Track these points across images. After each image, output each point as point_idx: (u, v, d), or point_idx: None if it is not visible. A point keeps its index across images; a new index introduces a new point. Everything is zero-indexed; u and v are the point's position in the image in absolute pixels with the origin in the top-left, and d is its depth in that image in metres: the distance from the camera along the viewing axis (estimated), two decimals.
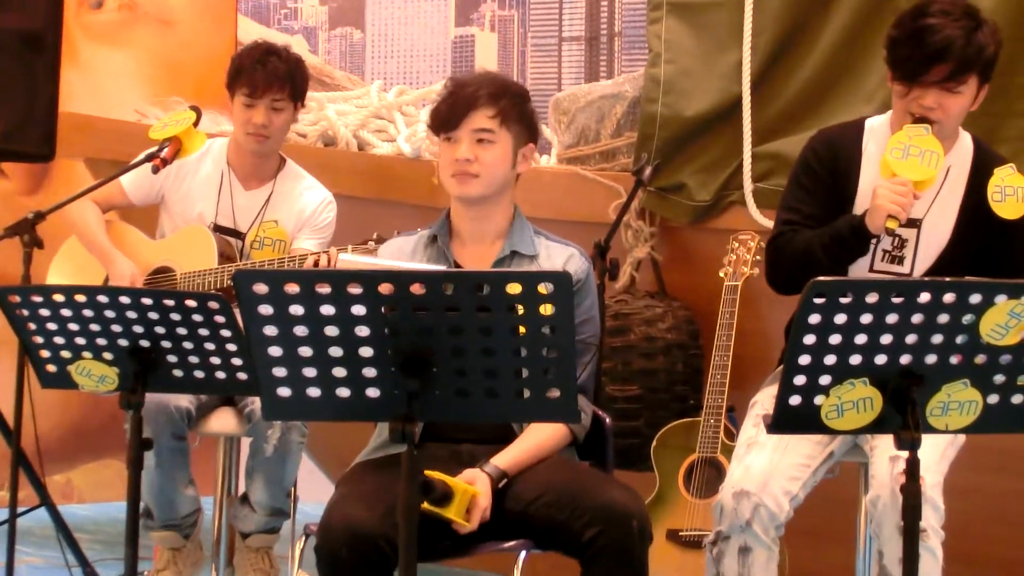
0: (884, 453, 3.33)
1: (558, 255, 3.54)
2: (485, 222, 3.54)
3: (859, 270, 3.60)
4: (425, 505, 3.11)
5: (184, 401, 4.20)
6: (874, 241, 3.52)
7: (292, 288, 2.63)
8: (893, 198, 3.37)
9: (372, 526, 3.13)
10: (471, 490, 3.21)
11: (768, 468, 3.39)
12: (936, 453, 3.36)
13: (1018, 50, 4.27)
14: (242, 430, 4.37)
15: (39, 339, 3.13)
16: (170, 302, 3.04)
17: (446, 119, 3.47)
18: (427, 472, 3.15)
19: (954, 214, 3.59)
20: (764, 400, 3.62)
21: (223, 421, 4.38)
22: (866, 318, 2.64)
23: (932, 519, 3.29)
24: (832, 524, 3.92)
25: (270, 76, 4.43)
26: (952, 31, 3.42)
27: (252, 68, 4.44)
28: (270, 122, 4.46)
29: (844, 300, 2.63)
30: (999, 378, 2.73)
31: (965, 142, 3.65)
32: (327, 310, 2.64)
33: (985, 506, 4.28)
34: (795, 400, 2.73)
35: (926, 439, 3.09)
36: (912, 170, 3.38)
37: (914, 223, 3.57)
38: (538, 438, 3.40)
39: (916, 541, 2.76)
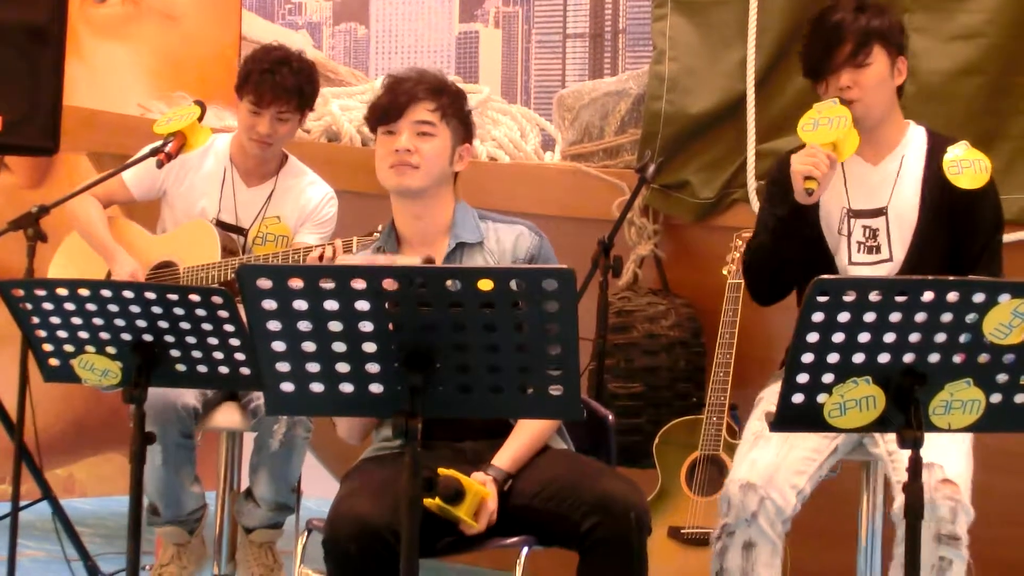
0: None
1: (506, 235, 3.54)
2: (428, 220, 3.52)
3: (840, 265, 3.67)
4: (437, 502, 3.12)
5: (191, 399, 4.20)
6: (844, 233, 3.64)
7: (296, 283, 2.63)
8: (804, 160, 3.51)
9: (380, 520, 3.13)
10: (483, 491, 3.23)
11: (774, 462, 3.40)
12: (962, 458, 3.39)
13: (1019, 49, 4.27)
14: (246, 425, 4.37)
15: (42, 333, 3.13)
16: (174, 296, 3.03)
17: (386, 111, 3.46)
18: (441, 470, 3.15)
19: (917, 196, 3.67)
20: (770, 396, 3.64)
21: (227, 416, 4.38)
22: (869, 316, 2.65)
23: (965, 525, 3.32)
24: (834, 524, 3.92)
25: (277, 88, 4.40)
26: (840, 16, 3.64)
27: (260, 77, 4.41)
28: (274, 131, 4.45)
29: (847, 298, 2.63)
30: (1002, 377, 2.73)
31: (917, 133, 3.74)
32: (331, 305, 2.64)
33: (991, 507, 4.27)
34: (798, 398, 2.74)
35: (951, 444, 3.11)
36: (821, 136, 3.52)
37: (880, 212, 3.66)
38: (533, 428, 3.40)
39: (918, 543, 2.76)
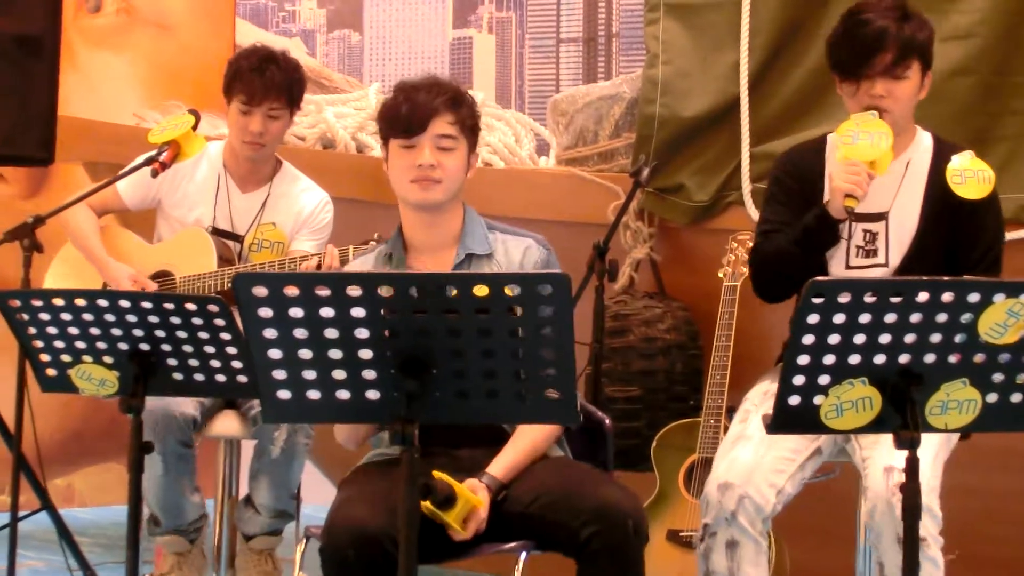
0: (878, 464, 3.34)
1: (514, 248, 3.54)
2: (439, 229, 3.53)
3: (836, 267, 3.67)
4: (427, 505, 3.13)
5: (190, 408, 4.20)
6: (844, 236, 3.62)
7: (292, 291, 2.64)
8: (847, 178, 3.47)
9: (377, 527, 3.13)
10: (474, 500, 3.23)
11: (753, 461, 3.41)
12: (929, 458, 3.37)
13: (1011, 49, 4.28)
14: (245, 432, 4.38)
15: (39, 343, 3.13)
16: (170, 305, 3.04)
17: (406, 125, 3.44)
18: (436, 473, 3.16)
19: (918, 205, 3.66)
20: (753, 397, 3.66)
21: (226, 424, 4.39)
22: (864, 318, 2.65)
23: (931, 527, 3.30)
24: (833, 524, 3.92)
25: (267, 85, 4.41)
26: (883, 22, 3.58)
27: (249, 76, 4.42)
28: (266, 130, 4.46)
29: (842, 300, 2.63)
30: (998, 377, 2.73)
31: (924, 138, 3.74)
32: (327, 312, 2.65)
33: (987, 506, 4.28)
34: (794, 400, 2.74)
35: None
36: (863, 152, 3.49)
37: (881, 216, 3.66)
38: (531, 437, 3.40)
39: (917, 543, 2.76)
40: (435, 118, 3.44)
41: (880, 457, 3.34)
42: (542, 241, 3.57)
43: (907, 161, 3.69)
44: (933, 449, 3.39)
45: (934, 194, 3.65)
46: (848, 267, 3.67)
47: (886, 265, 3.66)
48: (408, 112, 3.44)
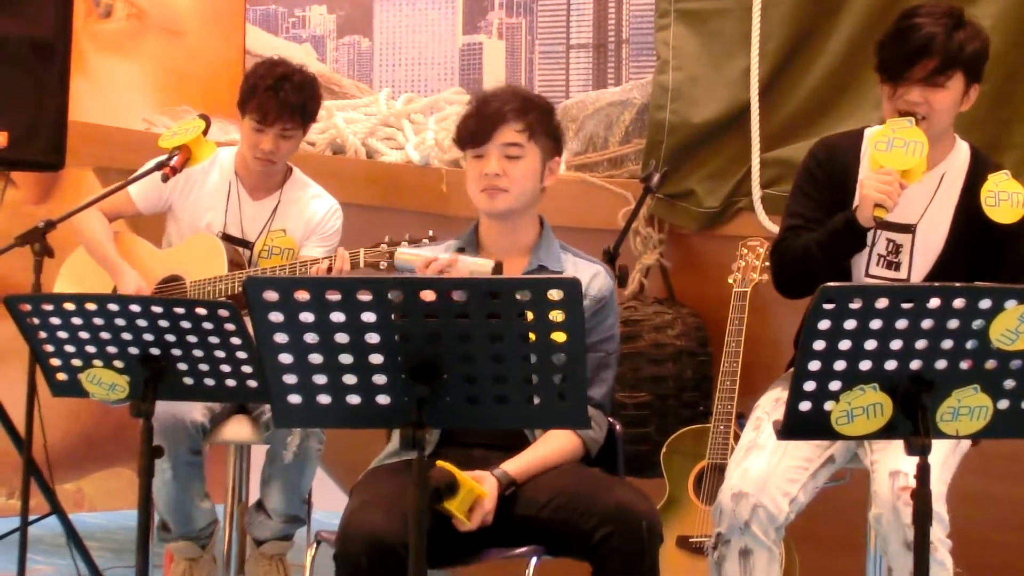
0: (884, 469, 3.33)
1: (584, 272, 3.54)
2: (512, 236, 3.55)
3: (855, 273, 3.62)
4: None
5: (199, 416, 4.20)
6: (870, 243, 3.56)
7: (302, 295, 2.64)
8: (878, 187, 3.41)
9: (391, 532, 3.13)
10: (478, 489, 3.21)
11: (766, 470, 3.40)
12: (938, 463, 3.36)
13: (1023, 56, 4.27)
14: (257, 437, 4.38)
15: (50, 347, 3.14)
16: (180, 310, 3.04)
17: (474, 134, 3.48)
18: (439, 462, 3.16)
19: (948, 220, 3.61)
20: (765, 404, 3.64)
21: (238, 429, 4.39)
22: (876, 323, 2.64)
23: (938, 530, 3.29)
24: (842, 530, 3.91)
25: (281, 106, 4.40)
26: (933, 28, 3.49)
27: (264, 95, 4.40)
28: (278, 148, 4.46)
29: (854, 306, 2.63)
30: (1009, 383, 2.72)
31: (962, 149, 3.67)
32: (337, 317, 2.65)
33: (997, 513, 4.27)
34: (805, 406, 2.73)
35: None
36: (896, 160, 3.42)
37: (908, 228, 3.60)
38: (551, 447, 3.41)
39: (927, 549, 2.76)
40: (502, 126, 3.46)
41: (887, 462, 3.32)
42: (609, 272, 3.60)
43: (942, 174, 3.61)
44: (942, 454, 3.38)
45: (965, 211, 3.58)
46: (868, 274, 3.62)
47: (907, 280, 3.60)
48: (476, 122, 3.48)
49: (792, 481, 3.43)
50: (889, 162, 3.43)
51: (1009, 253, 3.58)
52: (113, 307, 3.05)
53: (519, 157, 3.47)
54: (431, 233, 4.16)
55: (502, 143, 3.47)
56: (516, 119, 3.47)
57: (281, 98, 4.40)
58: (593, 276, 3.56)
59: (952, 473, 3.46)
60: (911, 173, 3.43)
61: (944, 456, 3.41)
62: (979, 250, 3.59)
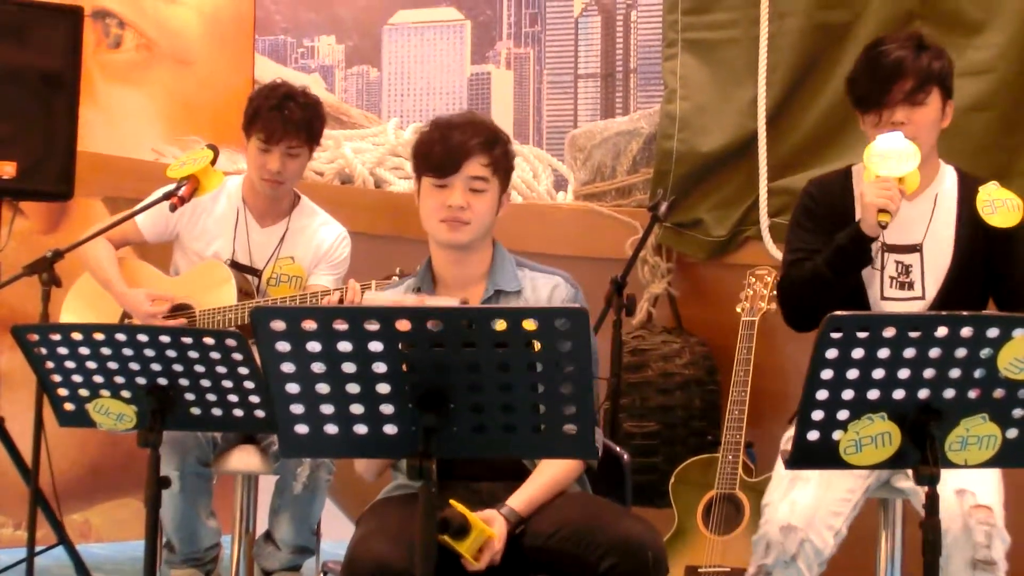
0: (949, 487, 3.33)
1: (543, 286, 3.52)
2: (468, 265, 3.52)
3: (872, 298, 3.67)
4: (441, 536, 3.12)
5: None
6: (877, 267, 3.63)
7: (310, 325, 2.64)
8: (879, 193, 3.49)
9: (399, 562, 3.11)
10: (488, 531, 3.21)
11: (813, 504, 3.42)
12: (993, 483, 3.41)
13: None
14: (266, 468, 4.37)
15: (57, 377, 3.14)
16: (188, 340, 3.04)
17: (439, 165, 3.43)
18: (452, 502, 3.15)
19: (951, 235, 3.68)
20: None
21: (246, 459, 4.38)
22: (883, 353, 2.64)
23: (1000, 550, 3.33)
24: (850, 557, 3.90)
25: (287, 124, 4.42)
26: (900, 52, 3.65)
27: (268, 114, 4.42)
28: (284, 168, 4.47)
29: (861, 335, 2.63)
30: (1018, 412, 2.72)
31: (948, 171, 3.77)
32: (344, 347, 2.64)
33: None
34: (813, 435, 2.73)
35: (980, 470, 3.10)
36: (891, 169, 3.51)
37: (915, 249, 3.67)
38: (553, 472, 3.39)
39: (936, 573, 2.75)
40: (469, 159, 3.43)
41: (950, 480, 3.31)
42: (569, 279, 3.57)
43: (935, 194, 3.71)
44: (995, 471, 3.40)
45: (965, 225, 3.67)
46: (883, 298, 3.67)
47: (923, 298, 3.66)
48: (442, 152, 3.43)
49: (836, 515, 3.46)
50: (885, 170, 3.51)
51: (1017, 255, 3.66)
52: (121, 337, 3.05)
53: (483, 191, 3.44)
54: (398, 270, 4.16)
55: (468, 176, 3.43)
56: (482, 153, 3.44)
57: (285, 116, 4.42)
58: (553, 288, 3.53)
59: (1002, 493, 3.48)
60: (908, 180, 3.52)
61: (998, 475, 3.44)
62: (988, 258, 3.66)
